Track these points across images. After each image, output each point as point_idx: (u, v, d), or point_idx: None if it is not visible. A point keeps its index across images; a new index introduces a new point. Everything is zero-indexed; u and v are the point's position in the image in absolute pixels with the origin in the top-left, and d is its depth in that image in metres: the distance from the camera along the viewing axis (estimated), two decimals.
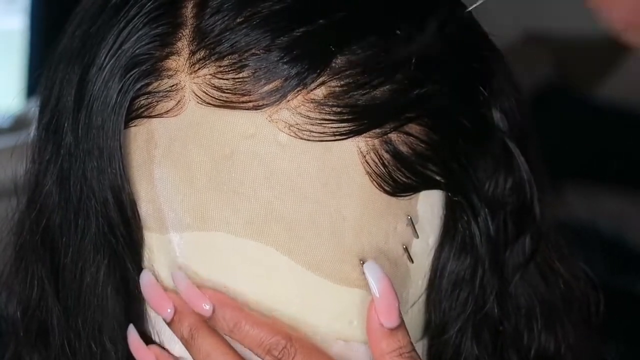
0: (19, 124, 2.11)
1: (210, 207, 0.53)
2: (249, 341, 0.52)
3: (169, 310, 0.54)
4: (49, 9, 2.83)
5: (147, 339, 0.57)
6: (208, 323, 0.53)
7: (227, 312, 0.53)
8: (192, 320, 0.53)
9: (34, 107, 0.60)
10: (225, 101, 0.52)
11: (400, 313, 0.53)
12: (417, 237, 0.56)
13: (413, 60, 0.53)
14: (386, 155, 0.53)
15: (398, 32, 0.53)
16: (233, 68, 0.52)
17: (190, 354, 0.54)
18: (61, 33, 0.59)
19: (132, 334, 0.56)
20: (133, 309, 0.57)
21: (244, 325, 0.52)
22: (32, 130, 0.61)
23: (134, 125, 0.54)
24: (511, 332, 0.62)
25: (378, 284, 0.53)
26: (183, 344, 0.54)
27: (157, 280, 0.55)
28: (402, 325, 0.53)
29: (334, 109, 0.52)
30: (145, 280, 0.55)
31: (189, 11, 0.54)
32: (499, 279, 0.60)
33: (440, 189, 0.56)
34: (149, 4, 0.54)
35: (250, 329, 0.52)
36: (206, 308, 0.53)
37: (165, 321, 0.55)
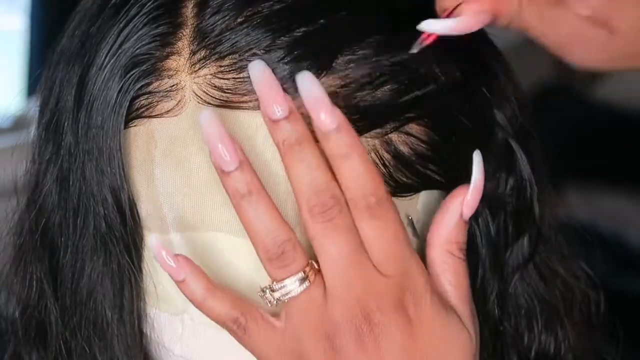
0: (19, 124, 2.11)
1: (210, 207, 0.53)
2: (350, 177, 0.49)
3: None
4: (49, 9, 2.83)
5: (146, 338, 0.57)
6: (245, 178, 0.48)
7: (350, 131, 0.48)
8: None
9: (34, 107, 0.60)
10: (226, 101, 0.52)
11: None
12: (418, 237, 0.56)
13: (414, 61, 0.53)
14: (387, 156, 0.53)
15: (399, 32, 0.53)
16: (234, 68, 0.52)
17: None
18: (61, 33, 0.59)
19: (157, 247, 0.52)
20: (131, 309, 0.57)
21: (355, 157, 0.49)
22: (32, 130, 0.61)
23: (134, 126, 0.54)
24: (511, 332, 0.62)
25: (479, 174, 0.53)
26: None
27: (156, 285, 0.55)
28: (468, 226, 0.53)
29: None
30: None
31: (189, 11, 0.54)
32: (499, 279, 0.60)
33: (441, 189, 0.56)
34: (149, 3, 0.54)
35: (359, 165, 0.49)
36: (329, 122, 0.48)
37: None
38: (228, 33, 0.52)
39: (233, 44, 0.52)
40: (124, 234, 0.55)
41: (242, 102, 0.52)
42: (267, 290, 0.51)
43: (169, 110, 0.53)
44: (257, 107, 0.52)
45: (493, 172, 0.58)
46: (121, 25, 0.54)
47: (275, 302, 0.51)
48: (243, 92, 0.52)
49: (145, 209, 0.55)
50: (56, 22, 0.62)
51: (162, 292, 0.56)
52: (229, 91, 0.52)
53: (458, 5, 0.50)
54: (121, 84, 0.53)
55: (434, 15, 0.53)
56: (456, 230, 0.53)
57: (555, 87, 3.12)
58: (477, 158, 0.53)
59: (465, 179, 0.56)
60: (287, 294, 0.50)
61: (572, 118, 2.83)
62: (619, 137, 2.87)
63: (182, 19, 0.53)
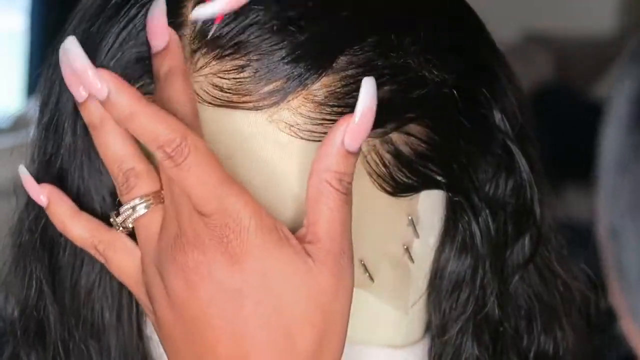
0: (19, 124, 2.11)
1: None
2: (142, 133, 0.49)
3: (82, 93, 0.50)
4: (49, 9, 2.83)
5: (145, 338, 0.57)
6: (98, 112, 0.50)
7: (124, 98, 0.48)
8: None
9: (33, 107, 0.60)
10: (227, 101, 0.52)
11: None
12: (418, 237, 0.56)
13: (415, 61, 0.53)
14: (387, 156, 0.53)
15: (400, 33, 0.53)
16: (234, 68, 0.52)
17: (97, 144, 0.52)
18: (61, 33, 0.59)
19: (23, 174, 0.56)
20: (128, 309, 0.57)
21: (140, 117, 0.48)
22: (32, 130, 0.61)
23: None
24: (511, 333, 0.61)
25: (367, 100, 0.50)
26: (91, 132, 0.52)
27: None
28: (357, 156, 0.51)
29: (334, 109, 0.52)
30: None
31: (189, 11, 0.53)
32: (499, 279, 0.60)
33: (441, 189, 0.56)
34: (149, 4, 0.54)
35: (147, 122, 0.48)
36: (98, 87, 0.48)
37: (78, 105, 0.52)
38: (229, 33, 0.52)
39: (234, 44, 0.52)
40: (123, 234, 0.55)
41: (243, 102, 0.52)
42: (113, 214, 0.53)
43: None
44: (257, 107, 0.52)
45: (493, 173, 0.58)
46: (121, 25, 0.54)
47: (119, 226, 0.53)
48: (244, 91, 0.52)
49: None
50: (56, 22, 0.62)
51: None
52: (230, 91, 0.52)
53: None
54: None
55: (434, 15, 0.53)
56: (337, 159, 0.50)
57: (555, 87, 3.12)
58: (366, 82, 0.50)
59: (467, 179, 0.56)
60: (128, 217, 0.52)
61: (572, 118, 2.83)
62: None
63: (182, 19, 0.53)
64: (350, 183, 0.51)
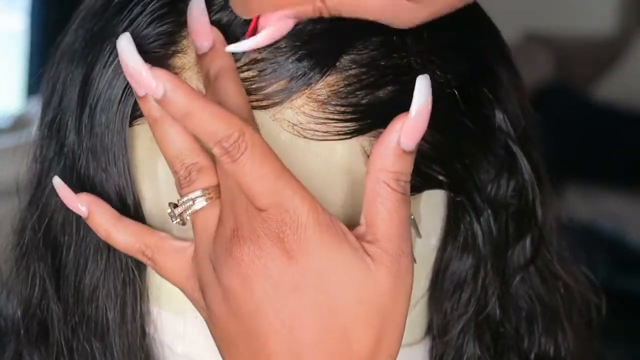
0: (19, 123, 2.11)
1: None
2: (200, 130, 0.48)
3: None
4: (49, 9, 2.83)
5: (149, 337, 0.57)
6: (158, 106, 0.49)
7: (181, 96, 0.48)
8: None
9: (35, 107, 0.60)
10: None
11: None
12: (420, 237, 0.56)
13: (418, 61, 0.53)
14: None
15: (403, 33, 0.53)
16: (238, 67, 0.52)
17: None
18: (63, 32, 0.59)
19: (59, 185, 0.54)
20: (132, 309, 0.57)
21: (197, 114, 0.47)
22: (34, 129, 0.61)
23: (139, 124, 0.54)
24: (512, 334, 0.62)
25: (422, 100, 0.49)
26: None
27: (159, 283, 0.55)
28: (414, 155, 0.50)
29: (337, 108, 0.52)
30: None
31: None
32: (501, 280, 0.60)
33: (443, 189, 0.56)
34: (152, 2, 0.54)
35: (204, 118, 0.47)
36: (153, 86, 0.47)
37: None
38: (232, 31, 0.52)
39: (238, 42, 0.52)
40: None
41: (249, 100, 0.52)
42: (171, 205, 0.52)
43: None
44: (261, 106, 0.52)
45: (495, 173, 0.58)
46: (125, 24, 0.54)
47: (177, 218, 0.52)
48: (247, 90, 0.52)
49: (148, 208, 0.55)
50: (56, 22, 0.62)
51: (165, 291, 0.56)
52: None
53: (258, 18, 0.50)
54: (126, 83, 0.53)
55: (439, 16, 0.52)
56: (393, 159, 0.49)
57: (555, 87, 3.12)
58: (422, 82, 0.50)
59: (469, 179, 0.56)
60: (187, 209, 0.51)
61: (572, 118, 2.83)
62: (619, 137, 2.87)
63: (184, 18, 0.53)
64: (407, 182, 0.50)
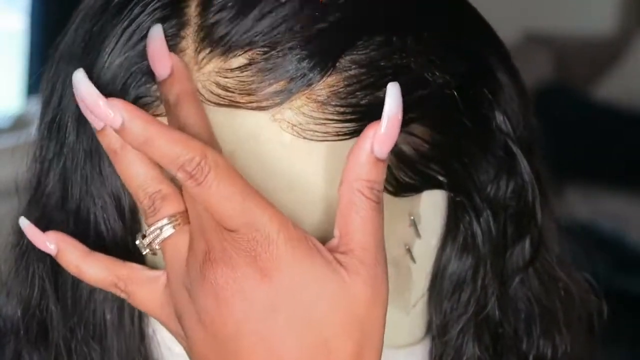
0: (19, 123, 2.11)
1: None
2: (161, 157, 0.48)
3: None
4: (49, 9, 2.83)
5: (147, 338, 0.57)
6: (118, 137, 0.50)
7: (139, 124, 0.48)
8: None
9: (35, 107, 0.60)
10: (230, 100, 0.52)
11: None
12: (420, 237, 0.56)
13: (417, 61, 0.53)
14: (389, 155, 0.53)
15: (403, 33, 0.53)
16: (238, 67, 0.52)
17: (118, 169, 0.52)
18: (63, 32, 0.59)
19: (26, 226, 0.55)
20: (130, 310, 0.57)
21: (156, 141, 0.48)
22: (34, 129, 0.61)
23: None
24: (511, 335, 0.62)
25: (394, 108, 0.50)
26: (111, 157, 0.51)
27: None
28: (386, 164, 0.50)
29: (337, 108, 0.52)
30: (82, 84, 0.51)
31: (192, 10, 0.53)
32: (500, 281, 0.60)
33: (443, 189, 0.56)
34: (152, 2, 0.54)
35: (164, 145, 0.48)
36: (111, 117, 0.48)
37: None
38: (232, 32, 0.52)
39: (237, 43, 0.52)
40: (124, 237, 0.55)
41: (246, 101, 0.52)
42: (139, 236, 0.52)
43: None
44: (261, 107, 0.52)
45: (494, 174, 0.58)
46: (124, 24, 0.54)
47: (147, 248, 0.52)
48: (247, 91, 0.52)
49: None
50: (56, 22, 0.62)
51: None
52: (233, 90, 0.52)
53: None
54: (124, 83, 0.53)
55: (436, 16, 0.53)
56: (367, 167, 0.50)
57: (555, 87, 3.12)
58: (391, 88, 0.50)
59: (469, 179, 0.56)
60: (155, 238, 0.51)
61: (572, 118, 2.83)
62: (618, 137, 2.87)
63: (185, 18, 0.53)
64: (380, 191, 0.50)
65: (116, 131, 0.48)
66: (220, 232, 0.49)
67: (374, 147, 0.50)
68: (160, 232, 0.51)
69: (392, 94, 0.50)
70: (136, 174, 0.51)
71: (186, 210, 0.51)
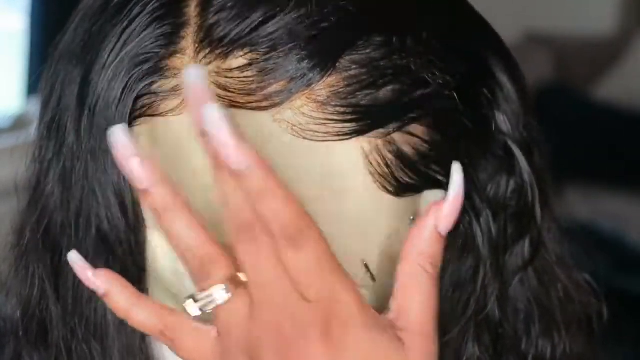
0: (19, 123, 2.11)
1: (213, 207, 0.53)
2: (269, 212, 0.46)
3: None
4: (49, 9, 2.83)
5: (148, 337, 0.57)
6: (162, 198, 0.48)
7: (261, 175, 0.46)
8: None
9: (35, 107, 0.60)
10: (230, 101, 0.52)
11: None
12: None
13: (417, 61, 0.53)
14: (389, 156, 0.53)
15: (403, 33, 0.53)
16: (238, 67, 0.52)
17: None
18: (62, 32, 0.59)
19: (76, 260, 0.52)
20: None
21: (271, 196, 0.46)
22: (33, 129, 0.61)
23: (138, 125, 0.54)
24: (511, 335, 0.62)
25: (457, 187, 0.52)
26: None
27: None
28: (445, 241, 0.52)
29: (337, 109, 0.52)
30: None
31: (192, 10, 0.54)
32: (500, 281, 0.60)
33: (443, 189, 0.56)
34: (152, 3, 0.54)
35: (278, 202, 0.46)
36: (237, 161, 0.45)
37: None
38: (232, 32, 0.52)
39: (237, 43, 0.52)
40: (127, 235, 0.55)
41: (246, 102, 0.52)
42: (190, 300, 0.50)
43: (172, 109, 0.53)
44: (261, 107, 0.52)
45: (494, 174, 0.58)
46: (124, 24, 0.54)
47: (198, 311, 0.50)
48: (247, 91, 0.52)
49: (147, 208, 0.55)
50: (56, 22, 0.62)
51: (164, 291, 0.56)
52: (233, 91, 0.52)
53: None
54: (125, 83, 0.53)
55: (436, 16, 0.53)
56: (430, 243, 0.51)
57: (555, 87, 3.12)
58: (456, 170, 0.52)
59: (469, 179, 0.56)
60: (208, 303, 0.50)
61: (572, 118, 2.83)
62: (618, 137, 2.88)
63: (185, 18, 0.53)
64: (438, 267, 0.52)
65: (233, 174, 0.46)
66: (296, 303, 0.48)
67: (439, 225, 0.51)
68: (213, 297, 0.49)
69: (458, 174, 0.52)
70: (184, 236, 0.49)
71: (237, 273, 0.49)
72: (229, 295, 0.49)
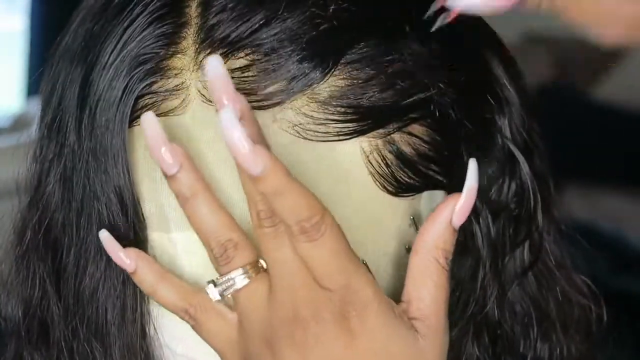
0: (19, 123, 2.11)
1: None
2: (283, 208, 0.47)
3: None
4: (49, 9, 2.83)
5: (149, 337, 0.58)
6: (188, 184, 0.50)
7: (279, 175, 0.47)
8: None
9: (35, 107, 0.60)
10: None
11: None
12: None
13: (418, 62, 0.53)
14: (389, 156, 0.53)
15: (404, 33, 0.53)
16: (239, 68, 0.52)
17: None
18: (63, 32, 0.59)
19: (107, 239, 0.54)
20: (132, 309, 0.57)
21: (287, 193, 0.47)
22: (34, 130, 0.61)
23: (138, 125, 0.54)
24: (510, 336, 0.62)
25: (473, 181, 0.52)
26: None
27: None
28: (456, 234, 0.53)
29: (337, 109, 0.52)
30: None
31: (193, 10, 0.54)
32: (499, 283, 0.60)
33: (443, 189, 0.56)
34: (153, 3, 0.54)
35: (294, 198, 0.47)
36: (254, 164, 0.46)
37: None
38: (232, 33, 0.52)
39: (237, 43, 0.52)
40: (127, 234, 0.55)
41: (247, 101, 0.52)
42: (211, 284, 0.52)
43: (173, 109, 0.53)
44: (261, 107, 0.52)
45: (495, 176, 0.58)
46: (125, 24, 0.54)
47: (218, 296, 0.52)
48: (247, 91, 0.52)
49: (148, 208, 0.55)
50: (56, 22, 0.62)
51: None
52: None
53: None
54: (126, 83, 0.53)
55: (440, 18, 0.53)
56: (444, 237, 0.52)
57: (555, 87, 3.12)
58: (472, 165, 0.53)
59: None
60: (228, 287, 0.51)
61: (572, 118, 2.83)
62: (619, 137, 2.87)
63: (186, 18, 0.53)
64: (449, 260, 0.52)
65: (251, 177, 0.47)
66: (314, 290, 0.49)
67: (454, 219, 0.52)
68: (233, 282, 0.51)
69: (473, 170, 0.53)
70: (208, 221, 0.50)
71: (257, 259, 0.51)
72: (249, 280, 0.50)
